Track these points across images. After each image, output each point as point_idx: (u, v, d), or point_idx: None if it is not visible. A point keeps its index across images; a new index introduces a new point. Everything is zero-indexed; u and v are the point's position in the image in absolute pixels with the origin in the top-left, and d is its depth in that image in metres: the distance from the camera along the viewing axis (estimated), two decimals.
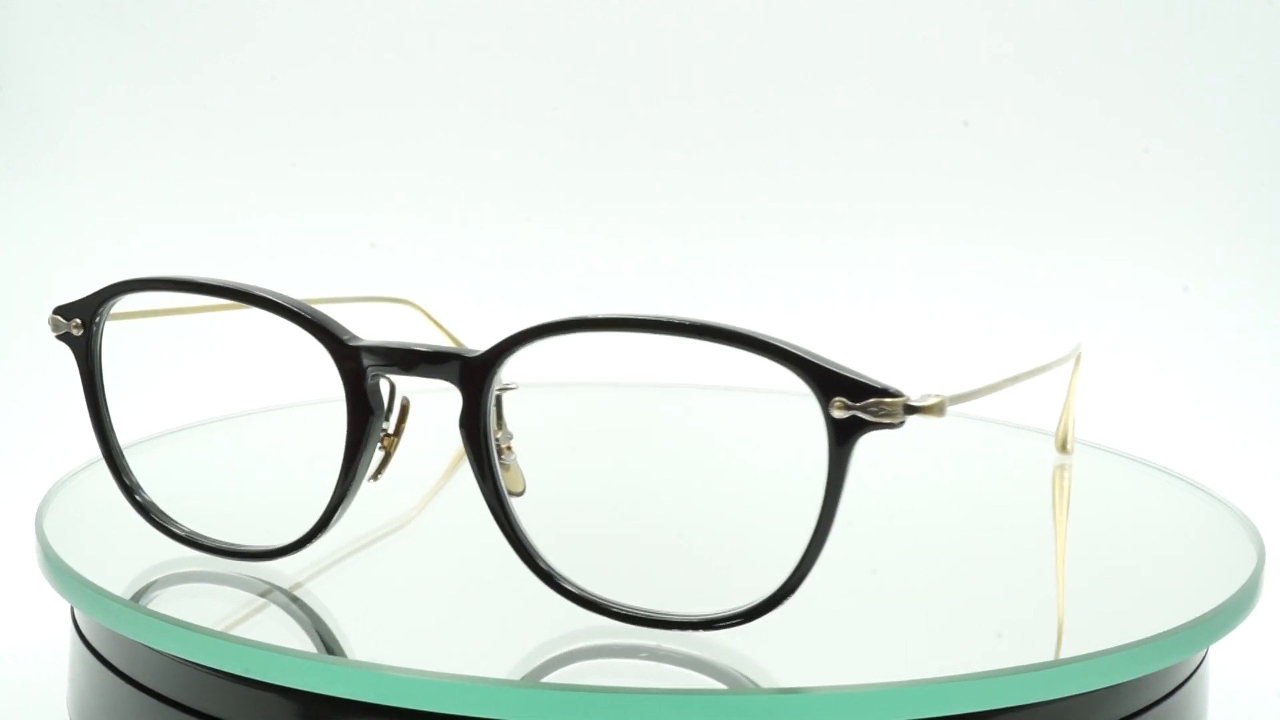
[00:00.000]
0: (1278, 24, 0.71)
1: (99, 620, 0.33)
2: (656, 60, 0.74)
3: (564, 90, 0.73)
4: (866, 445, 0.49)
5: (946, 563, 0.38)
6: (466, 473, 0.32)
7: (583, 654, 0.31)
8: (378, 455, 0.33)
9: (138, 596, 0.33)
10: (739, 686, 0.30)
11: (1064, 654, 0.31)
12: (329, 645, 0.32)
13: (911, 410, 0.29)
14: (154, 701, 0.32)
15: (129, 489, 0.36)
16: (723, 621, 0.30)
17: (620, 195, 0.73)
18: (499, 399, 0.32)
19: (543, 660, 0.31)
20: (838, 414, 0.29)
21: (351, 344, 0.32)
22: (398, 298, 0.51)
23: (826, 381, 0.29)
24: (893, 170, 0.73)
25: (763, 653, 0.32)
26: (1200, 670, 0.35)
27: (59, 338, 0.35)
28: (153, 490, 0.36)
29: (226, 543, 0.35)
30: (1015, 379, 0.33)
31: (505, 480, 0.32)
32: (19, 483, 0.49)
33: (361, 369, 0.32)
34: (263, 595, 0.34)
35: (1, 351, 0.67)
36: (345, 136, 0.72)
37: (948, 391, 0.30)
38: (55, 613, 0.40)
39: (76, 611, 0.36)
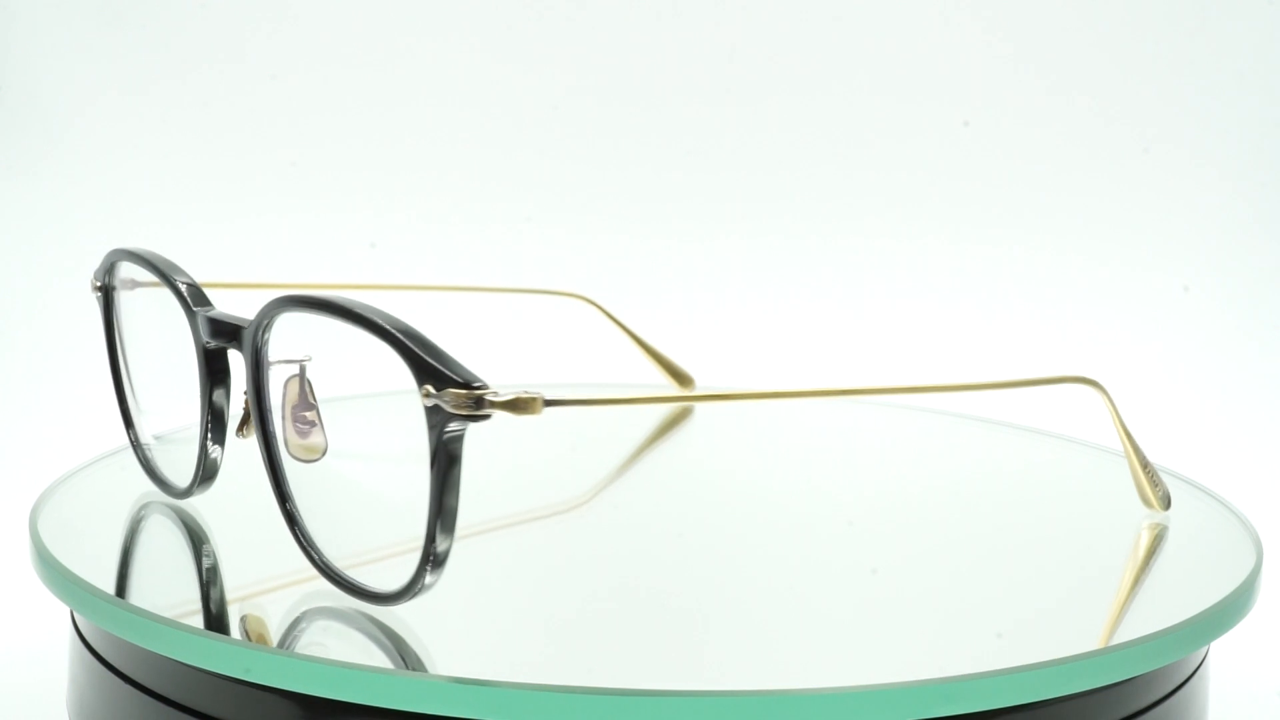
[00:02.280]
0: (1278, 24, 0.71)
1: (97, 623, 0.33)
2: (657, 60, 0.74)
3: (564, 90, 0.73)
4: (864, 444, 0.49)
5: (947, 563, 0.38)
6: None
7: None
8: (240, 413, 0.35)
9: (134, 597, 0.33)
10: (403, 666, 0.30)
11: (1064, 653, 0.31)
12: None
13: (488, 404, 0.29)
14: (154, 702, 0.32)
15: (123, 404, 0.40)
16: (375, 597, 0.32)
17: (620, 195, 0.73)
18: (302, 369, 0.34)
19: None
20: (425, 402, 0.29)
21: (194, 308, 0.35)
22: (575, 293, 0.51)
23: (418, 368, 0.30)
24: (893, 170, 0.73)
25: (763, 653, 0.32)
26: (1200, 670, 0.35)
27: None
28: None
29: (160, 473, 0.39)
30: (624, 399, 0.33)
31: (301, 448, 0.33)
32: (17, 482, 0.49)
33: (199, 334, 0.35)
34: (256, 593, 0.34)
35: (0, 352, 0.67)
36: (345, 136, 0.72)
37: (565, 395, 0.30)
38: (55, 612, 0.40)
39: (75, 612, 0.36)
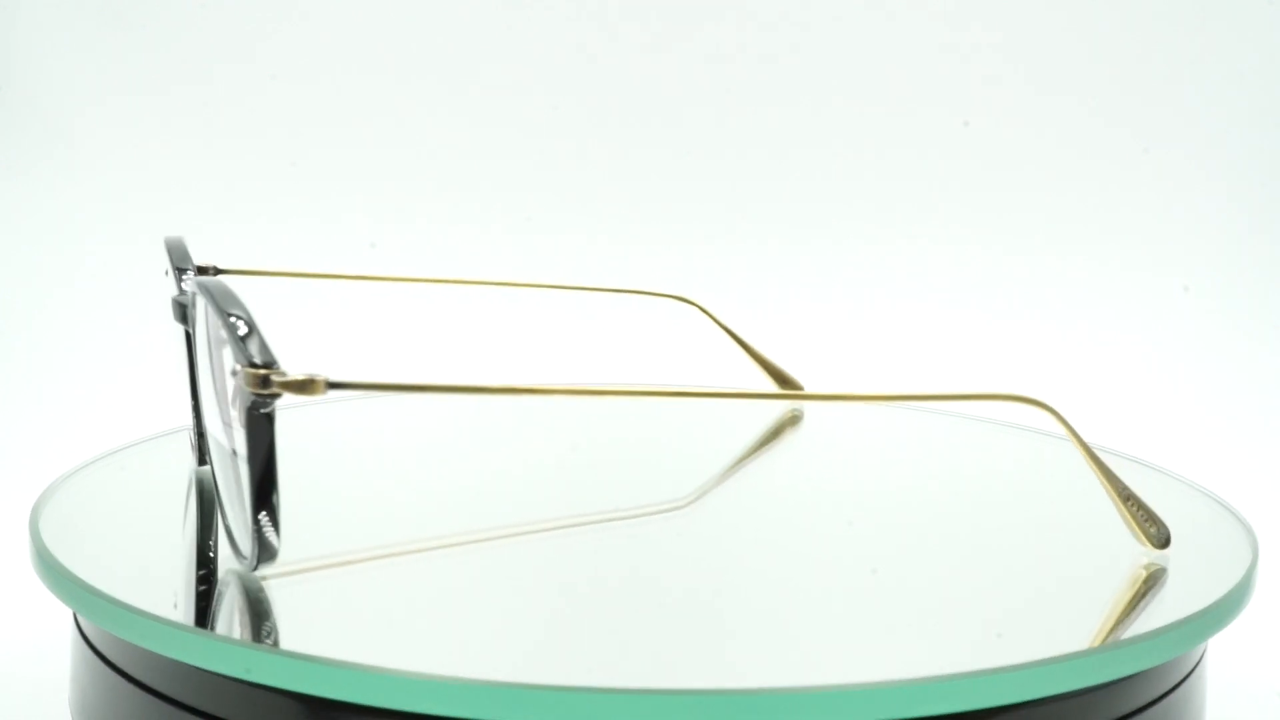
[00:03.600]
0: (1278, 24, 0.71)
1: (99, 624, 0.33)
2: (657, 60, 0.74)
3: (564, 90, 0.73)
4: (864, 444, 0.49)
5: (947, 562, 0.38)
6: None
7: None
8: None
9: (135, 598, 0.33)
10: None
11: (1062, 650, 0.31)
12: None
13: (275, 384, 0.31)
14: (155, 700, 0.32)
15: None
16: (242, 560, 0.33)
17: (620, 195, 0.73)
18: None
19: None
20: (234, 379, 0.32)
21: (180, 293, 0.38)
22: (679, 295, 0.51)
23: (235, 347, 0.32)
24: (892, 170, 0.73)
25: (763, 651, 0.32)
26: (1198, 669, 0.35)
27: None
28: None
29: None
30: (394, 386, 0.33)
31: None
32: (18, 482, 0.49)
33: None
34: (254, 591, 0.34)
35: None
36: (346, 136, 0.72)
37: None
38: (57, 611, 0.40)
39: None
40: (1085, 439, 0.37)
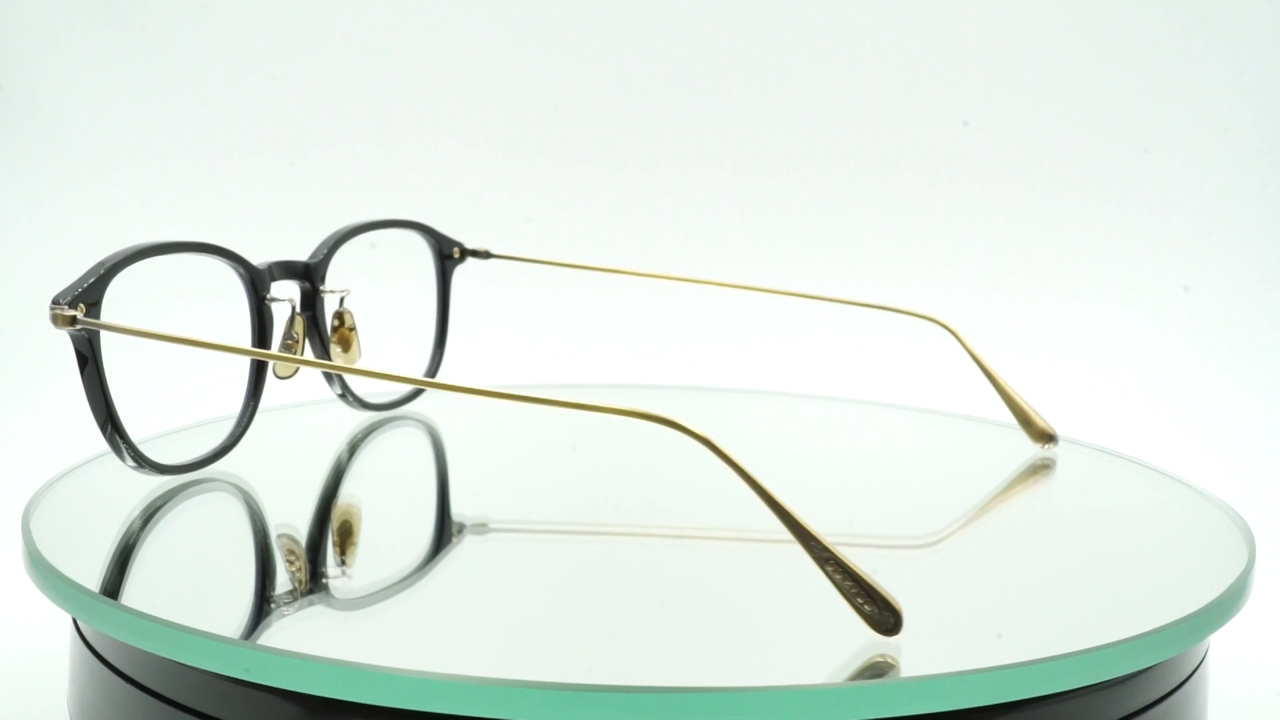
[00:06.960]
0: (1278, 24, 0.72)
1: (96, 627, 0.33)
2: (657, 59, 0.74)
3: (564, 90, 0.73)
4: (864, 444, 0.49)
5: (946, 562, 0.38)
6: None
7: None
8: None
9: (132, 598, 0.33)
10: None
11: (1063, 650, 0.31)
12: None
13: (51, 316, 0.35)
14: (155, 702, 0.32)
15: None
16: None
17: (620, 194, 0.73)
18: (293, 308, 0.42)
19: None
20: None
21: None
22: (929, 315, 0.47)
23: None
24: (893, 169, 0.73)
25: (765, 650, 0.32)
26: (1200, 670, 0.35)
27: None
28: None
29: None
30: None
31: (282, 369, 0.41)
32: (18, 480, 0.49)
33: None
34: (255, 589, 0.34)
35: None
36: (345, 136, 0.72)
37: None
38: (55, 611, 0.40)
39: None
40: (753, 474, 0.31)
